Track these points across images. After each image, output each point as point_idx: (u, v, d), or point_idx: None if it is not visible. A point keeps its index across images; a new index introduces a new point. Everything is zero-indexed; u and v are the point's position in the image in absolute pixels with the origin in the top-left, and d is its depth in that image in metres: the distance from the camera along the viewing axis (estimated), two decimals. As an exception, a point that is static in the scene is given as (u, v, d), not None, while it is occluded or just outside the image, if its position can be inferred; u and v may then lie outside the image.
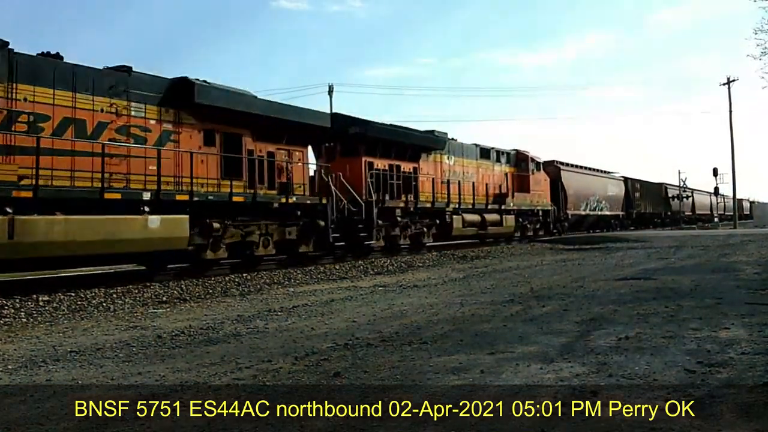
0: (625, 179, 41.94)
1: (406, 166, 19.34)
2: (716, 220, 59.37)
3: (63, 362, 5.37)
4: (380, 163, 18.20)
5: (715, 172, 49.89)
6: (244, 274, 12.71)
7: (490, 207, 23.43)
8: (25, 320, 8.00)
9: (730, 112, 45.24)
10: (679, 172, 66.97)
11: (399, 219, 18.46)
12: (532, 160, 27.30)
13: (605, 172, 39.26)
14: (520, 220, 26.02)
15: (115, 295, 9.84)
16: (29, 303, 8.88)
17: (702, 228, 44.01)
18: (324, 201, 15.28)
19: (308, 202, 15.00)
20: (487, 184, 23.50)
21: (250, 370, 4.88)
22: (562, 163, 32.47)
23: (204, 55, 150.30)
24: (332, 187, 15.79)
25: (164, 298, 9.95)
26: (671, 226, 48.30)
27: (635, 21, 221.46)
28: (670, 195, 51.28)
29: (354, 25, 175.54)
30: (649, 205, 46.89)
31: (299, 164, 15.31)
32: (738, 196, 50.94)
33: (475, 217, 22.12)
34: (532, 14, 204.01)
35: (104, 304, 9.22)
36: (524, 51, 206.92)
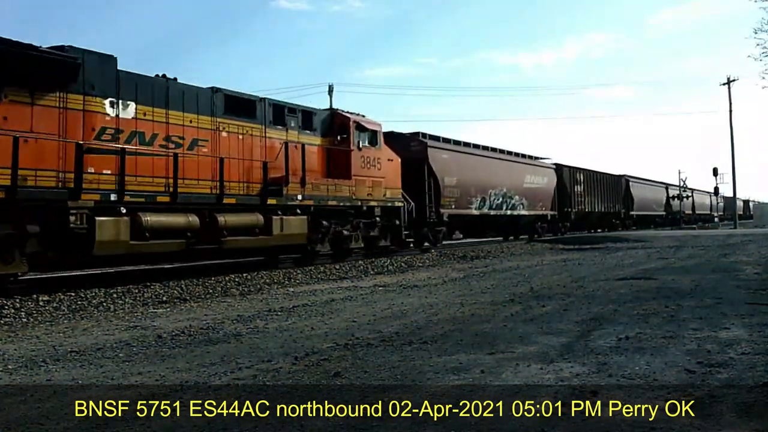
0: (558, 167, 31.16)
1: None
2: (716, 220, 59.24)
3: (63, 362, 5.38)
4: None
5: (715, 171, 50.20)
6: (244, 274, 12.72)
7: (236, 201, 12.90)
8: (25, 320, 8.00)
9: (730, 112, 45.43)
10: (680, 172, 67.00)
11: None
12: (361, 127, 16.69)
13: (523, 155, 28.22)
14: (325, 223, 15.33)
15: (115, 295, 9.83)
16: (29, 303, 8.88)
17: (702, 228, 43.70)
18: None
19: None
20: (221, 158, 12.51)
21: (250, 370, 4.89)
22: (433, 138, 21.57)
23: (204, 56, 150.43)
24: None
25: (164, 298, 9.95)
26: (634, 227, 41.22)
27: (635, 21, 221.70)
28: (632, 191, 42.07)
29: (354, 25, 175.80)
30: (600, 202, 36.32)
31: None
32: (733, 196, 50.73)
33: (178, 219, 11.66)
34: (532, 14, 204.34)
35: (104, 304, 9.22)
36: (524, 51, 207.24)
